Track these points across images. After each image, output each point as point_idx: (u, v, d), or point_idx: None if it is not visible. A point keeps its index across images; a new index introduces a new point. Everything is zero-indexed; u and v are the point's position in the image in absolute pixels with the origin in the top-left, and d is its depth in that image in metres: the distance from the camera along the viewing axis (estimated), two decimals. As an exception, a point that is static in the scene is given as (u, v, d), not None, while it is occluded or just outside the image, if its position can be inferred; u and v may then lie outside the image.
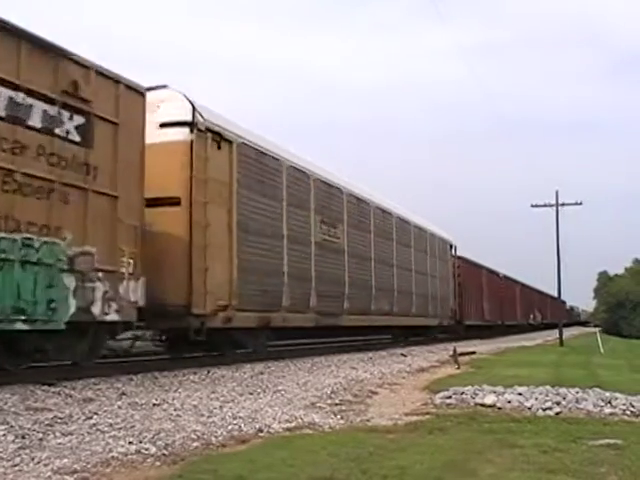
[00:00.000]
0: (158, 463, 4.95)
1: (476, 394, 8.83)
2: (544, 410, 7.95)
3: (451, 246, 30.04)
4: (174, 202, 11.44)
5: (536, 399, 8.41)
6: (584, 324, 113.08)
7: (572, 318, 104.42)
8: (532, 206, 34.60)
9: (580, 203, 34.15)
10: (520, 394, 8.69)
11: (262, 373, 11.22)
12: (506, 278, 46.94)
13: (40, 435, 5.49)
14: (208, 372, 10.75)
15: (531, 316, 58.95)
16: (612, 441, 6.01)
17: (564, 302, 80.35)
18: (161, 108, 11.50)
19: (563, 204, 33.60)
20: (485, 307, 37.69)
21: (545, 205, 34.03)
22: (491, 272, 41.72)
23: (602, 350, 26.77)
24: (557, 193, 33.67)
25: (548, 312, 68.58)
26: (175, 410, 7.07)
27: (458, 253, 31.86)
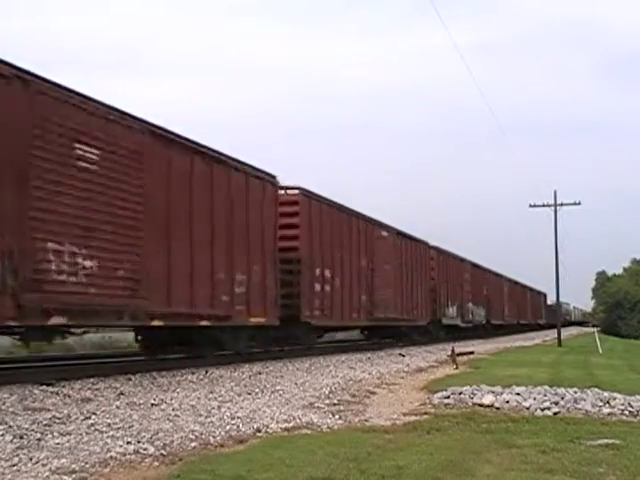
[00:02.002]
0: (156, 463, 4.94)
1: (474, 394, 8.83)
2: (542, 410, 7.95)
3: None
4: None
5: (534, 399, 8.42)
6: (581, 324, 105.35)
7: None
8: (531, 206, 34.64)
9: (578, 203, 34.18)
10: (518, 394, 8.70)
11: (260, 373, 11.22)
12: (385, 227, 20.69)
13: (38, 435, 5.48)
14: (206, 372, 10.74)
15: (469, 313, 31.83)
16: (610, 441, 6.02)
17: (544, 295, 61.54)
18: None
19: (562, 204, 33.60)
20: (315, 292, 15.63)
21: (543, 205, 34.04)
22: (356, 215, 18.43)
23: (600, 350, 26.80)
24: (555, 193, 33.66)
25: (505, 308, 41.32)
26: (173, 410, 7.06)
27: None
